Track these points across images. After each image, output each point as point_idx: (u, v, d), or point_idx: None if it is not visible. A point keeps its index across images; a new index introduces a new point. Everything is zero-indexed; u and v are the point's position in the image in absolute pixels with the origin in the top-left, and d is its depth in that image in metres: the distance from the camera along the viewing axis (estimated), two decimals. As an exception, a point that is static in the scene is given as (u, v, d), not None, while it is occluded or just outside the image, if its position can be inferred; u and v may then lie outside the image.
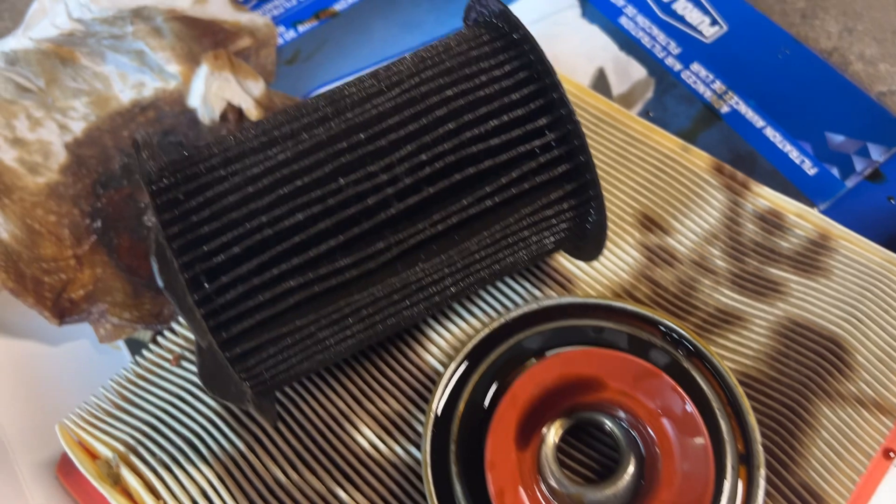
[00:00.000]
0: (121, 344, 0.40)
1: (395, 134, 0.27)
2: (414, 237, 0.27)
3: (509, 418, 0.28)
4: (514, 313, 0.32)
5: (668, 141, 0.38)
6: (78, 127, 0.46)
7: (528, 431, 0.28)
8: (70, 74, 0.46)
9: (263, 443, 0.32)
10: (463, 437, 0.29)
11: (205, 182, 0.26)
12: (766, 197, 0.36)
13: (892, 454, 0.30)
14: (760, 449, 0.29)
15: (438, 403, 0.30)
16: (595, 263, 0.34)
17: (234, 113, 0.44)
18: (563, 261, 0.35)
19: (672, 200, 0.36)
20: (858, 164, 0.41)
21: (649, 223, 0.36)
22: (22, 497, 0.36)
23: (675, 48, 0.45)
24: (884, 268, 0.34)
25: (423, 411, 0.32)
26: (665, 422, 0.28)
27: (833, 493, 0.29)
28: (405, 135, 0.27)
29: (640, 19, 0.46)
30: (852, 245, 0.34)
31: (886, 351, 0.32)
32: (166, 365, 0.34)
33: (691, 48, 0.45)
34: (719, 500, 0.27)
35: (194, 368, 0.34)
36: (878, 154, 0.41)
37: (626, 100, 0.44)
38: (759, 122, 0.42)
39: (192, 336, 0.35)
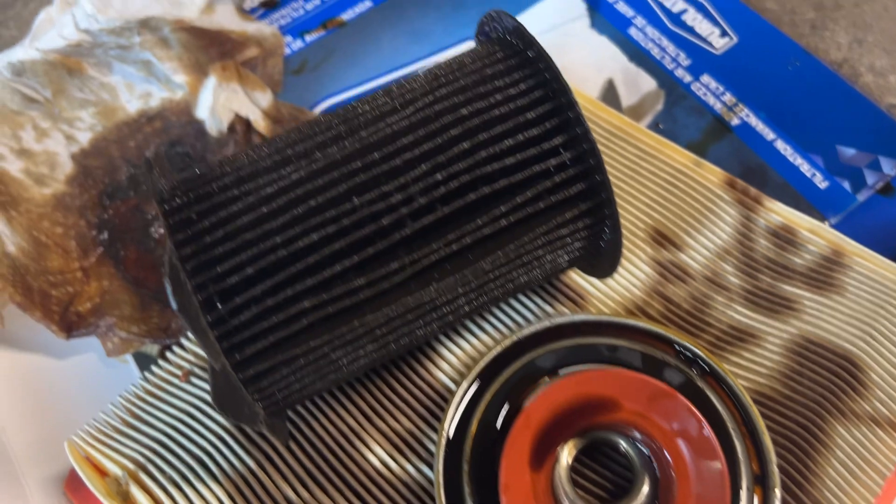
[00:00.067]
0: (128, 357, 0.40)
1: (409, 153, 0.27)
2: (428, 257, 0.27)
3: (523, 439, 0.28)
4: (527, 331, 0.32)
5: (680, 155, 0.37)
6: (84, 137, 0.46)
7: (543, 452, 0.28)
8: (77, 85, 0.46)
9: (274, 460, 0.32)
10: (476, 457, 0.29)
11: (218, 202, 0.26)
12: (778, 212, 0.35)
13: (907, 474, 0.30)
14: (776, 469, 0.28)
15: (451, 424, 0.30)
16: (607, 279, 0.34)
17: (241, 124, 0.44)
18: (576, 277, 0.34)
19: (684, 216, 0.36)
20: (870, 178, 0.40)
21: (662, 239, 0.35)
22: (30, 513, 0.36)
23: (684, 59, 0.45)
24: (897, 284, 0.33)
25: (434, 429, 0.32)
26: (681, 443, 0.28)
27: (849, 514, 0.29)
28: (419, 154, 0.27)
29: (650, 30, 0.46)
30: (866, 262, 0.34)
31: (901, 369, 0.32)
32: (175, 381, 0.34)
33: (701, 60, 0.45)
34: (735, 522, 0.27)
35: (204, 385, 0.34)
36: (889, 167, 0.41)
37: (636, 111, 0.44)
38: (769, 135, 0.42)
39: (201, 352, 0.34)
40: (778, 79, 0.44)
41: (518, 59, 0.28)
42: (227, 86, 0.44)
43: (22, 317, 0.39)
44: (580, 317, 0.32)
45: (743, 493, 0.28)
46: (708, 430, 0.27)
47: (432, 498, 0.30)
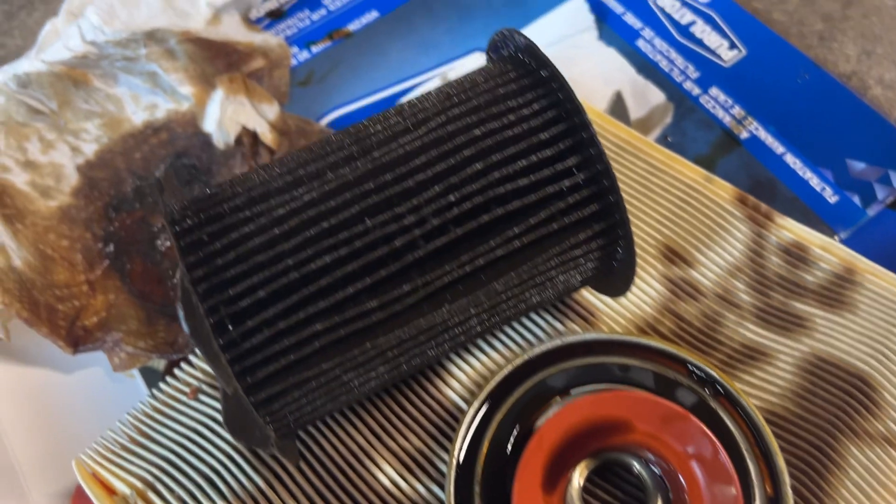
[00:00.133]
0: (135, 372, 0.40)
1: (422, 174, 0.26)
2: (441, 279, 0.26)
3: (536, 462, 0.28)
4: (537, 350, 0.31)
5: (690, 171, 0.37)
6: (90, 149, 0.46)
7: (555, 474, 0.28)
8: (82, 96, 0.45)
9: (283, 479, 0.31)
10: (487, 479, 0.29)
11: (229, 223, 0.26)
12: (790, 229, 0.35)
13: (921, 495, 0.30)
14: (789, 491, 0.28)
15: (461, 447, 0.29)
16: (619, 297, 0.34)
17: (248, 137, 0.44)
18: (587, 294, 0.34)
19: (695, 232, 0.36)
20: (880, 192, 0.40)
21: (673, 255, 0.35)
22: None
23: (693, 72, 0.45)
24: (910, 302, 0.33)
25: (444, 448, 0.32)
26: (695, 466, 0.27)
27: (862, 536, 0.29)
28: (432, 175, 0.26)
29: (658, 42, 0.46)
30: (878, 279, 0.34)
31: (914, 388, 0.31)
32: (183, 398, 0.34)
33: (710, 72, 0.45)
34: (749, 545, 0.27)
35: (212, 402, 0.34)
36: (899, 182, 0.40)
37: (644, 124, 0.44)
38: (779, 149, 0.42)
39: (209, 368, 0.34)
40: (787, 92, 0.44)
41: (531, 79, 0.28)
42: (235, 98, 0.44)
43: (28, 331, 0.39)
44: (591, 335, 0.31)
45: (757, 516, 0.28)
46: (723, 455, 0.27)
47: (443, 519, 0.30)
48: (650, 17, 0.47)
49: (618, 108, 0.44)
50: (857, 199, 0.40)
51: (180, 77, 0.45)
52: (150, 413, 0.34)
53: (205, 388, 0.34)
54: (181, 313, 0.24)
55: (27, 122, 0.45)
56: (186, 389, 0.34)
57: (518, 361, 0.31)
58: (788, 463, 0.30)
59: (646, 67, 0.45)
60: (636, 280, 0.34)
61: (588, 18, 0.47)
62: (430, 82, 0.46)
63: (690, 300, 0.34)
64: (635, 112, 0.44)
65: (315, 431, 0.32)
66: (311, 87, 0.48)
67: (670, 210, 0.36)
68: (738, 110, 0.43)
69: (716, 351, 0.33)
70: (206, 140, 0.45)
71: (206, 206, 0.27)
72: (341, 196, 0.26)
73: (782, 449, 0.30)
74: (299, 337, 0.25)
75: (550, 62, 0.28)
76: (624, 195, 0.35)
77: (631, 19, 0.47)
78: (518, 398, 0.30)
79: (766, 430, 0.29)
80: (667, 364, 0.31)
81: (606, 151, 0.38)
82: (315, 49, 0.49)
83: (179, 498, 0.31)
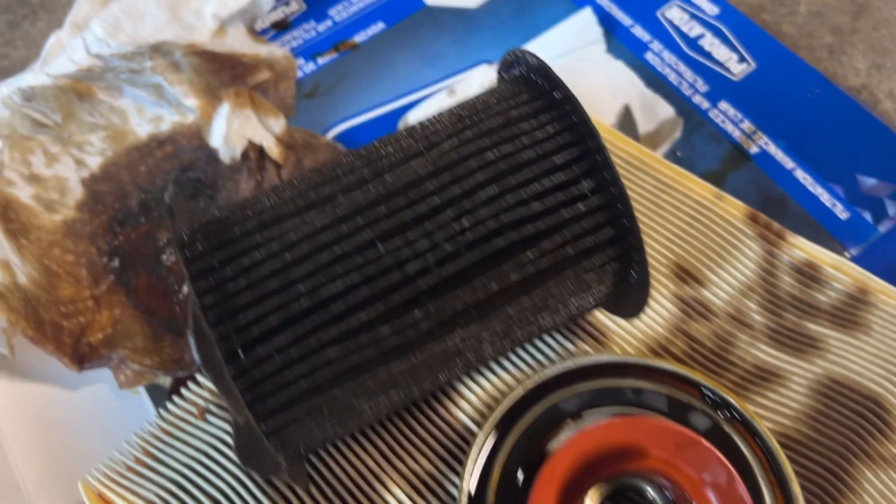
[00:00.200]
0: (140, 389, 0.40)
1: (435, 199, 0.26)
2: (454, 304, 0.26)
3: (549, 489, 0.27)
4: (549, 372, 0.31)
5: (700, 187, 0.37)
6: (94, 162, 0.45)
7: (568, 500, 0.28)
8: (87, 109, 0.45)
9: (291, 502, 0.31)
10: (500, 504, 0.28)
11: (240, 248, 0.26)
12: (802, 248, 0.35)
13: (936, 520, 0.30)
14: (804, 517, 0.28)
15: (471, 475, 0.29)
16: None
17: (254, 151, 0.44)
18: (598, 314, 0.34)
19: (706, 251, 0.35)
20: (891, 209, 0.40)
21: (684, 274, 0.35)
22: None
23: (702, 85, 0.44)
24: (924, 323, 0.33)
25: (454, 471, 0.31)
26: (709, 493, 0.27)
27: (877, 562, 0.29)
28: (445, 200, 0.26)
29: (667, 55, 0.46)
30: (891, 299, 0.34)
31: (928, 411, 0.31)
32: (191, 419, 0.34)
33: (719, 86, 0.44)
34: (764, 573, 0.27)
35: (220, 423, 0.33)
36: (910, 198, 0.40)
37: (653, 139, 0.43)
38: (788, 164, 0.42)
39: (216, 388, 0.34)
40: (797, 106, 0.43)
41: (544, 101, 0.28)
42: (241, 112, 0.44)
43: (32, 347, 0.38)
44: (604, 357, 0.31)
45: (772, 543, 0.27)
46: (738, 482, 0.27)
47: (454, 544, 0.30)
48: (659, 30, 0.47)
49: (626, 121, 0.44)
50: (868, 216, 0.40)
51: (185, 89, 0.45)
52: (158, 434, 0.34)
53: (213, 408, 0.34)
54: (192, 341, 0.24)
55: (31, 135, 0.44)
56: (194, 410, 0.34)
57: (529, 384, 0.31)
58: (802, 487, 0.30)
59: (654, 81, 0.45)
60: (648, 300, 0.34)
61: (596, 31, 0.47)
62: (436, 95, 0.46)
63: (702, 320, 0.34)
64: (644, 126, 0.44)
65: (324, 453, 0.32)
66: (317, 99, 0.47)
67: (681, 228, 0.36)
68: (747, 125, 0.43)
69: (728, 372, 0.33)
70: (211, 153, 0.45)
71: (216, 230, 0.26)
72: (353, 221, 0.26)
73: (796, 473, 0.30)
74: (312, 365, 0.25)
75: (564, 84, 0.28)
76: (635, 213, 0.35)
77: (639, 32, 0.47)
78: (530, 422, 0.30)
79: (781, 456, 0.29)
80: (680, 387, 0.30)
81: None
82: (321, 61, 0.48)
83: (187, 521, 0.31)
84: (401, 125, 0.45)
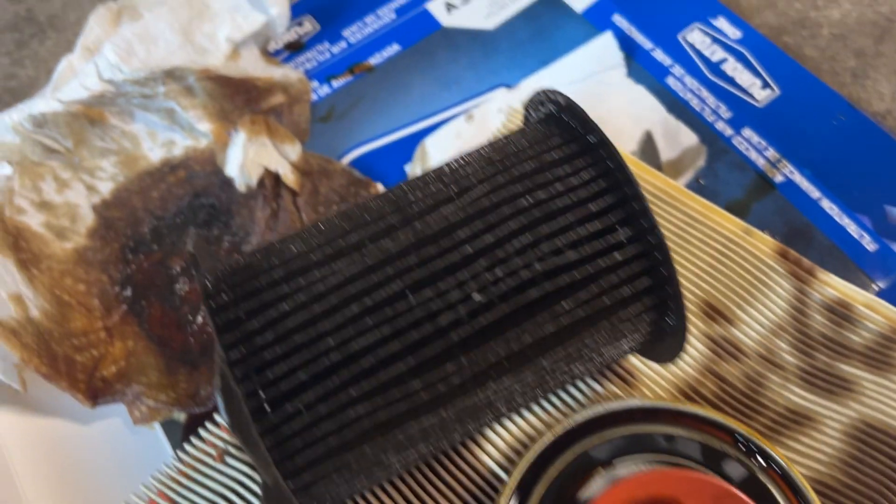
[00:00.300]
0: (155, 424, 0.39)
1: (467, 247, 0.25)
2: (486, 358, 0.25)
3: (583, 544, 0.27)
4: (578, 417, 0.30)
5: (728, 221, 0.36)
6: (106, 188, 0.45)
7: (602, 555, 0.27)
8: (98, 134, 0.44)
9: (314, 549, 0.30)
10: (530, 557, 0.28)
11: (267, 300, 0.25)
12: (833, 286, 0.34)
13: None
14: (843, 571, 0.27)
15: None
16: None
17: (270, 179, 0.43)
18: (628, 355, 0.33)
19: (736, 288, 0.35)
20: (920, 241, 0.39)
21: (713, 312, 0.34)
22: None
23: (725, 112, 0.44)
24: (959, 364, 0.32)
25: (481, 517, 0.31)
26: (748, 549, 0.26)
27: None
28: (478, 249, 0.25)
29: (688, 80, 0.45)
30: (926, 340, 0.33)
31: (966, 457, 0.30)
32: (210, 461, 0.33)
33: (743, 112, 0.44)
34: None
35: (240, 465, 0.33)
36: (939, 229, 0.39)
37: (676, 166, 0.43)
38: (814, 193, 0.41)
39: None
40: (822, 134, 0.43)
41: (578, 146, 0.27)
42: (257, 140, 0.43)
43: (45, 382, 0.37)
44: (635, 402, 0.30)
45: None
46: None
47: None
48: (680, 54, 0.46)
49: (648, 148, 0.43)
50: (896, 248, 0.39)
51: (199, 114, 0.44)
52: (176, 477, 0.33)
53: (231, 450, 0.33)
54: (221, 403, 0.23)
55: (42, 161, 0.43)
56: (213, 452, 0.33)
57: (559, 430, 0.30)
58: (839, 536, 0.29)
59: (676, 106, 0.44)
60: (676, 339, 0.33)
61: (617, 55, 0.46)
62: (454, 120, 0.45)
63: (733, 361, 0.33)
64: (666, 153, 0.43)
65: (349, 501, 0.31)
66: (332, 122, 0.46)
67: (709, 264, 0.35)
68: (772, 153, 0.42)
69: (760, 415, 0.32)
70: (225, 179, 0.44)
71: (242, 279, 0.26)
72: (383, 270, 0.25)
73: (832, 522, 0.29)
74: (341, 421, 0.24)
75: (598, 128, 0.27)
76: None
77: (660, 56, 0.46)
78: (560, 470, 0.29)
79: (819, 507, 0.28)
80: (713, 433, 0.30)
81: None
82: (336, 83, 0.47)
83: (207, 569, 0.30)
84: (418, 151, 0.44)
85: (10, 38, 0.53)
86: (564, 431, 0.30)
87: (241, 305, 0.25)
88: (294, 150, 0.44)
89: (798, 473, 0.29)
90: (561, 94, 0.28)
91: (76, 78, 0.43)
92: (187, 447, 0.33)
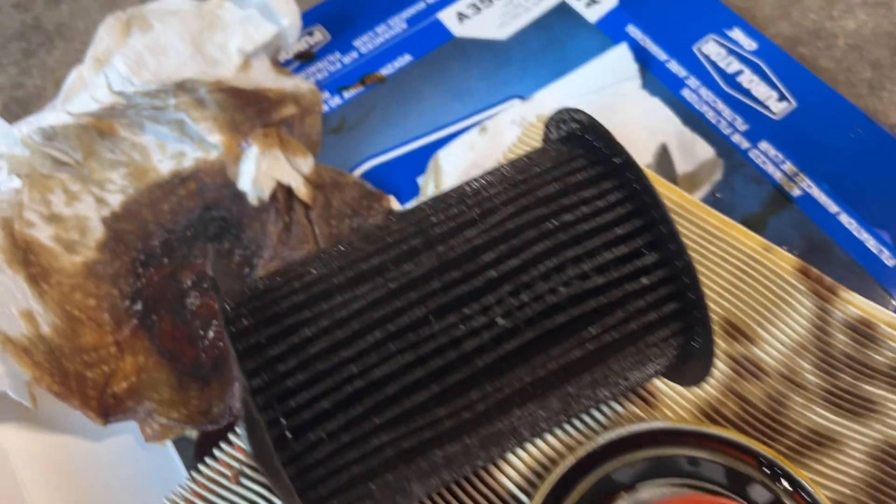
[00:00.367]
0: (167, 441, 0.38)
1: (491, 272, 0.25)
2: (511, 384, 0.25)
3: (609, 572, 0.26)
4: (600, 440, 0.30)
5: (747, 238, 0.36)
6: (115, 200, 0.44)
7: (627, 583, 0.27)
8: (108, 146, 0.44)
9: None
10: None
11: (289, 325, 0.25)
12: (856, 304, 0.34)
13: None
14: None
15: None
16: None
17: (283, 192, 0.42)
18: (646, 374, 0.33)
19: (757, 306, 0.34)
20: (939, 256, 0.39)
21: (734, 331, 0.34)
22: None
23: (741, 124, 0.43)
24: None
25: (501, 541, 0.30)
26: (776, 577, 0.26)
27: None
28: (502, 273, 0.25)
29: (704, 92, 0.44)
30: (950, 360, 0.33)
31: None
32: (225, 482, 0.32)
33: (759, 125, 0.43)
34: None
35: (254, 486, 0.32)
36: (959, 244, 0.39)
37: (692, 180, 0.42)
38: (832, 208, 0.41)
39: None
40: (840, 147, 0.42)
41: (604, 168, 0.27)
42: (269, 153, 0.42)
43: (55, 398, 0.37)
44: (657, 424, 0.30)
45: None
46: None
47: None
48: (695, 66, 0.45)
49: (663, 161, 0.43)
50: (915, 263, 0.39)
51: (209, 126, 0.44)
52: (190, 498, 0.32)
53: (246, 470, 0.33)
54: (245, 433, 0.22)
55: (51, 174, 0.43)
56: (227, 472, 0.33)
57: (580, 453, 0.30)
58: (864, 561, 0.29)
59: (692, 119, 0.44)
60: (697, 359, 0.33)
61: (632, 67, 0.45)
62: (467, 132, 0.45)
63: (754, 381, 0.33)
64: (682, 166, 0.42)
65: (366, 523, 0.31)
66: (344, 134, 0.46)
67: (729, 281, 0.35)
68: (789, 166, 0.42)
69: (783, 437, 0.32)
70: (236, 192, 0.44)
71: (263, 303, 0.25)
72: (406, 296, 0.25)
73: (858, 547, 0.29)
74: (364, 450, 0.24)
75: (624, 149, 0.26)
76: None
77: (675, 67, 0.45)
78: (582, 493, 0.29)
79: (846, 533, 0.28)
80: (737, 456, 0.29)
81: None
82: (347, 95, 0.47)
83: None
84: (430, 164, 0.44)
85: (18, 47, 0.53)
86: (587, 454, 0.30)
87: (262, 331, 0.24)
88: (306, 163, 0.43)
89: (822, 495, 0.28)
90: (584, 113, 0.28)
91: (86, 90, 0.42)
92: (201, 467, 0.33)
